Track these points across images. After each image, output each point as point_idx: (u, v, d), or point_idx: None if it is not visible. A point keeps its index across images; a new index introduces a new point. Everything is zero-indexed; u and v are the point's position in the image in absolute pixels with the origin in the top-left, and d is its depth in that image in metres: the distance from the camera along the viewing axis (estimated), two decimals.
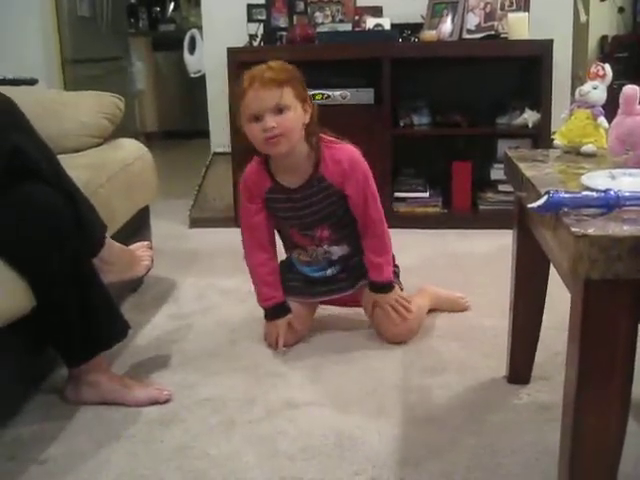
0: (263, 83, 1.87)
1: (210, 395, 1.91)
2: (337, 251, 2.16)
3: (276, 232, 2.22)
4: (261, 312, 2.22)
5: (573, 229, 1.04)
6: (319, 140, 2.03)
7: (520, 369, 1.91)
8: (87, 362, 1.83)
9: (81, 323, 1.76)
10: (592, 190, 1.18)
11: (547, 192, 1.14)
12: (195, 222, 3.63)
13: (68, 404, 1.87)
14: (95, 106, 2.60)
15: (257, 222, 2.13)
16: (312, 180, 2.03)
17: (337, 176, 2.02)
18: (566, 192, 1.14)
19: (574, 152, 1.67)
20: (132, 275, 2.08)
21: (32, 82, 3.04)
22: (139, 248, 2.11)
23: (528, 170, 1.50)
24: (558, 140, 1.71)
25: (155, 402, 1.87)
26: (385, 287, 2.16)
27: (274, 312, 2.17)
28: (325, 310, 2.38)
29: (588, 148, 1.64)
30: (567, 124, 1.71)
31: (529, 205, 1.20)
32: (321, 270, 2.20)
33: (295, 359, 2.12)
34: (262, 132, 1.90)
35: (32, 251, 1.67)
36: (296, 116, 1.93)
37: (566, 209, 1.12)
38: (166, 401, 1.88)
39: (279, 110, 1.89)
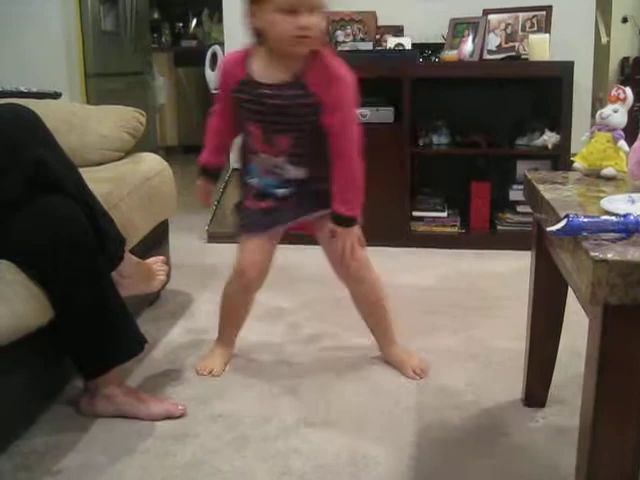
0: None
1: (224, 411, 1.91)
2: (292, 171, 1.99)
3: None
4: (279, 330, 2.22)
5: (592, 253, 1.03)
6: (322, 49, 1.93)
7: (536, 392, 1.90)
8: (103, 375, 1.84)
9: (98, 336, 1.77)
10: (611, 214, 1.18)
11: (566, 216, 1.13)
12: (213, 237, 3.64)
13: (83, 416, 1.88)
14: (117, 120, 2.62)
15: (224, 108, 2.05)
16: (291, 83, 1.90)
17: (322, 82, 1.88)
18: (585, 216, 1.14)
19: (594, 175, 1.66)
20: (148, 289, 2.09)
21: (56, 95, 3.06)
22: (156, 262, 2.12)
23: (547, 192, 1.50)
24: (578, 163, 1.71)
25: (169, 416, 1.87)
26: (349, 220, 2.01)
27: (203, 170, 2.12)
28: (338, 327, 2.38)
29: (608, 171, 1.63)
30: (587, 147, 1.70)
31: (548, 228, 1.20)
32: (273, 186, 2.01)
33: (310, 377, 2.12)
34: (294, 28, 1.80)
35: (51, 262, 1.68)
36: (323, 20, 1.87)
37: (585, 233, 1.12)
38: (180, 416, 1.88)
39: (312, 10, 1.81)
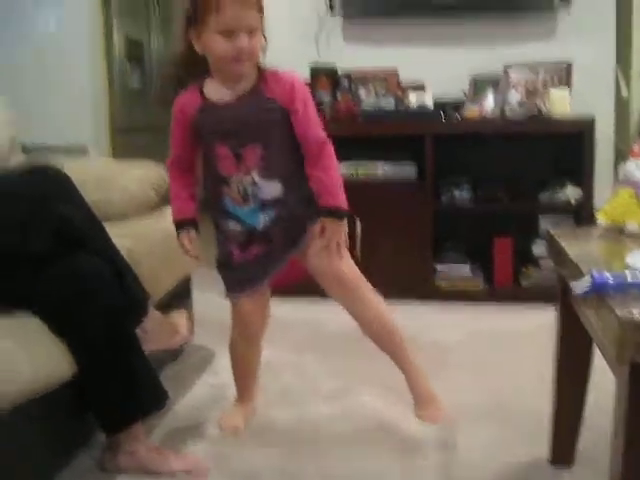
0: (246, 3, 1.82)
1: (245, 468, 1.90)
2: (267, 188, 1.94)
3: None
4: (301, 385, 2.21)
5: (618, 312, 1.02)
6: (263, 65, 1.96)
7: (563, 451, 1.87)
8: (125, 430, 1.84)
9: (121, 391, 1.78)
10: (636, 270, 1.17)
11: (591, 275, 1.13)
12: None
13: (105, 472, 1.88)
14: (142, 176, 2.66)
15: (182, 152, 2.03)
16: (250, 94, 1.92)
17: (279, 92, 1.91)
18: (609, 273, 1.13)
19: (618, 231, 1.66)
20: (171, 345, 2.09)
21: (83, 151, 3.13)
22: (179, 318, 2.13)
23: (571, 248, 1.49)
24: (601, 218, 1.71)
25: (191, 473, 1.86)
26: (338, 212, 1.95)
27: (180, 225, 2.08)
28: (360, 383, 2.36)
29: (632, 227, 1.63)
30: (610, 202, 1.70)
31: (572, 289, 1.19)
32: (252, 214, 1.96)
33: (331, 434, 2.10)
34: (232, 49, 1.82)
35: (75, 317, 1.70)
36: (261, 40, 1.89)
37: (610, 291, 1.11)
38: (202, 473, 1.87)
39: (251, 32, 1.84)
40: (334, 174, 1.97)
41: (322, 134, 1.95)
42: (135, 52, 4.97)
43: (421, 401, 2.09)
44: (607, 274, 1.13)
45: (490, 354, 2.75)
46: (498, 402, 2.30)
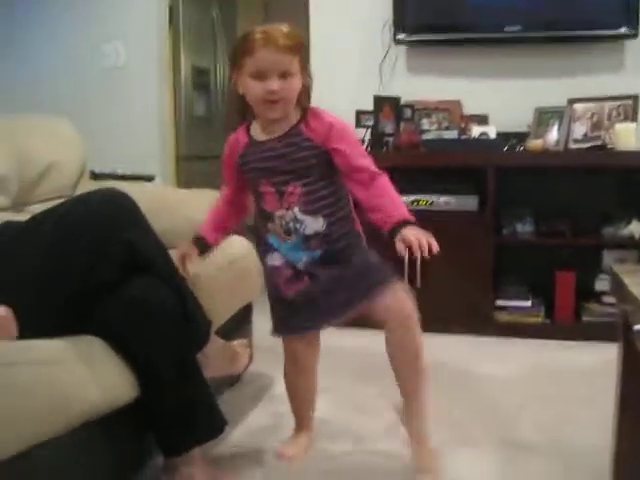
0: (278, 47, 1.84)
1: None
2: (310, 223, 1.97)
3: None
4: (354, 414, 2.20)
5: None
6: (308, 105, 1.98)
7: None
8: (183, 454, 1.87)
9: (181, 416, 1.81)
10: None
11: None
12: None
13: None
14: (206, 204, 2.69)
15: (230, 192, 2.13)
16: (290, 133, 1.95)
17: (319, 132, 1.93)
18: None
19: None
20: (231, 371, 2.13)
21: (149, 178, 3.20)
22: (240, 345, 2.16)
23: (635, 287, 1.48)
24: None
25: None
26: (405, 222, 1.83)
27: (195, 239, 2.13)
28: None
29: None
30: None
31: (634, 329, 1.18)
32: (296, 249, 1.99)
33: (390, 469, 2.10)
34: (263, 91, 1.87)
35: (140, 342, 1.74)
36: (297, 83, 1.90)
37: None
38: None
39: (283, 75, 1.86)
40: (393, 194, 1.90)
41: (373, 167, 1.93)
42: (201, 80, 5.07)
43: (419, 468, 2.05)
44: None
45: (549, 389, 2.71)
46: (557, 440, 2.27)
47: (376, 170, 1.92)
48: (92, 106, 4.26)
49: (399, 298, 1.98)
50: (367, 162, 1.94)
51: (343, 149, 1.92)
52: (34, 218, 1.82)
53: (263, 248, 2.08)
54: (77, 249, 1.71)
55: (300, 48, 1.90)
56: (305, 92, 1.96)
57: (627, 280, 1.55)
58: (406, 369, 2.05)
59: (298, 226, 1.98)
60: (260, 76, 1.86)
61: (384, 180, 1.92)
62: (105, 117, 4.27)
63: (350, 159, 1.92)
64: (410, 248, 1.76)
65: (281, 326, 2.10)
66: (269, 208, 2.00)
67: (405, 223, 1.82)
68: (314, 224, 1.97)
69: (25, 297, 1.64)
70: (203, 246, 2.12)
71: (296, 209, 1.97)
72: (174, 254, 1.99)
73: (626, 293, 1.50)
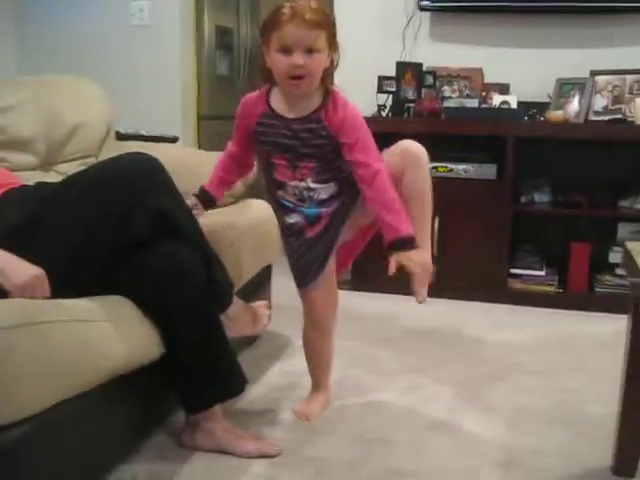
0: (304, 22, 1.86)
1: (316, 455, 1.98)
2: (323, 190, 2.06)
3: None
4: (369, 374, 2.25)
5: None
6: (331, 87, 2.01)
7: (626, 461, 1.88)
8: (205, 411, 1.94)
9: (204, 374, 1.88)
10: None
11: None
12: None
13: (183, 448, 1.99)
14: None
15: (237, 149, 2.19)
16: (309, 117, 1.98)
17: (335, 122, 1.97)
18: None
19: None
20: (252, 332, 2.19)
21: (173, 140, 3.23)
22: (260, 307, 2.22)
23: None
24: None
25: (264, 455, 1.96)
26: (407, 243, 1.94)
27: (201, 194, 2.22)
28: (431, 378, 2.41)
29: None
30: None
31: None
32: (314, 208, 2.07)
33: (403, 428, 2.17)
34: (288, 66, 1.89)
35: (168, 303, 1.81)
36: (322, 60, 1.92)
37: None
38: (275, 455, 1.96)
39: (309, 51, 1.89)
40: (392, 196, 1.96)
41: (376, 164, 1.96)
42: (224, 40, 5.07)
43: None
44: None
45: (559, 358, 2.77)
46: (564, 407, 2.33)
47: (377, 166, 1.95)
48: (116, 64, 4.28)
49: (412, 143, 2.04)
50: (367, 158, 1.96)
51: (349, 145, 1.97)
52: (66, 181, 1.87)
53: (279, 209, 2.14)
54: (106, 213, 1.76)
55: (327, 24, 1.91)
56: (331, 69, 1.98)
57: (636, 254, 1.59)
58: (419, 197, 2.04)
59: (312, 194, 2.06)
60: (286, 50, 1.88)
61: (383, 179, 1.95)
62: (129, 75, 4.29)
63: (354, 155, 1.97)
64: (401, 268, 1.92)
65: (301, 277, 2.14)
66: (281, 178, 2.06)
67: (404, 243, 1.93)
68: (328, 189, 2.06)
69: (57, 259, 1.70)
70: (208, 199, 2.21)
71: (309, 179, 2.04)
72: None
73: (634, 266, 1.55)
